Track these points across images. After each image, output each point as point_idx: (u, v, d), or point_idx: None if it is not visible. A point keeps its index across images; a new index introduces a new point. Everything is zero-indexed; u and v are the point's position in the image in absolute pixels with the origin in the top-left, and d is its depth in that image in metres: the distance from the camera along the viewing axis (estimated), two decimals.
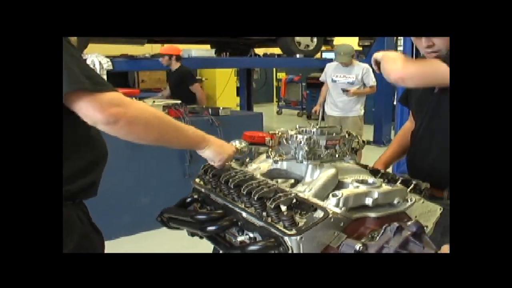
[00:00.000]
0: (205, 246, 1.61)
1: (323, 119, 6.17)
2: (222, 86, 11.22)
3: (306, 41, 7.24)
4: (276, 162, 1.46)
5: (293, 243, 1.15)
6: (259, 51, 8.74)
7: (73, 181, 1.35)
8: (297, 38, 7.17)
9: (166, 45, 6.22)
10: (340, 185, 1.36)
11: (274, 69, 14.10)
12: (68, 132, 1.26)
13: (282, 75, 13.91)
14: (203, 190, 1.53)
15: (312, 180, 1.37)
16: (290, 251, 1.16)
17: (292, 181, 1.53)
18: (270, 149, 1.47)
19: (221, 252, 1.42)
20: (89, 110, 1.23)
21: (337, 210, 1.22)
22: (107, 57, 5.60)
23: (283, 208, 1.21)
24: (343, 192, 1.25)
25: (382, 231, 1.22)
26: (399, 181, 1.46)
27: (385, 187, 1.32)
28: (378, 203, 1.29)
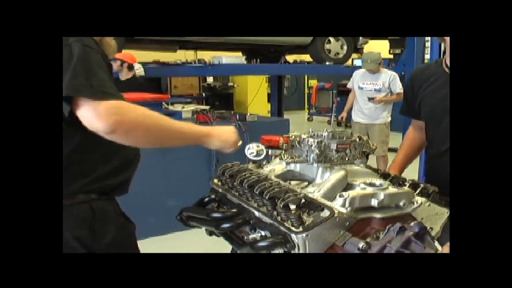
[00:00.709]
0: (226, 249, 1.68)
1: (349, 125, 6.20)
2: (254, 93, 11.32)
3: (336, 49, 7.27)
4: (288, 164, 1.53)
5: (300, 240, 1.22)
6: (290, 58, 8.82)
7: (108, 178, 1.46)
8: (327, 46, 7.21)
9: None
10: (349, 187, 1.42)
11: (306, 76, 14.14)
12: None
13: (313, 82, 13.93)
14: (220, 190, 1.61)
15: (322, 181, 1.44)
16: (296, 248, 1.23)
17: (306, 183, 1.60)
18: (284, 152, 1.54)
19: (234, 249, 1.50)
20: (88, 118, 1.28)
21: (343, 210, 1.28)
22: (139, 63, 5.73)
23: (293, 207, 1.28)
24: (349, 193, 1.31)
25: (386, 231, 1.28)
26: (408, 185, 1.51)
27: (391, 189, 1.38)
28: (384, 205, 1.35)
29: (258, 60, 8.00)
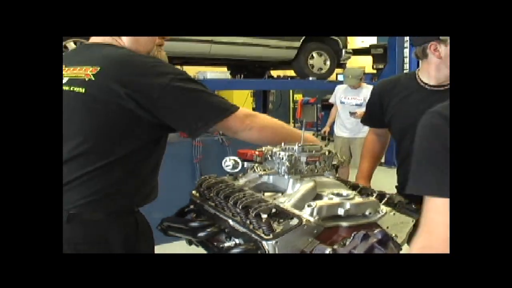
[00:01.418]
0: None
1: (332, 140, 6.32)
2: None
3: (319, 64, 7.42)
4: (261, 176, 1.62)
5: (270, 247, 1.30)
6: (275, 73, 8.95)
7: (148, 197, 1.66)
8: (311, 61, 7.35)
9: None
10: (318, 197, 1.51)
11: (291, 91, 14.29)
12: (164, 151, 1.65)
13: (298, 97, 14.07)
14: (198, 201, 1.69)
15: (293, 192, 1.53)
16: None
17: (280, 194, 1.68)
18: (257, 165, 1.63)
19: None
20: (232, 124, 1.57)
21: (311, 219, 1.36)
22: None
23: (264, 216, 1.36)
24: (317, 203, 1.40)
25: (351, 238, 1.36)
26: (375, 195, 1.61)
27: (357, 199, 1.46)
28: (350, 214, 1.44)
29: (243, 75, 8.11)
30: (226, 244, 1.49)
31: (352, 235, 1.36)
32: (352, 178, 2.25)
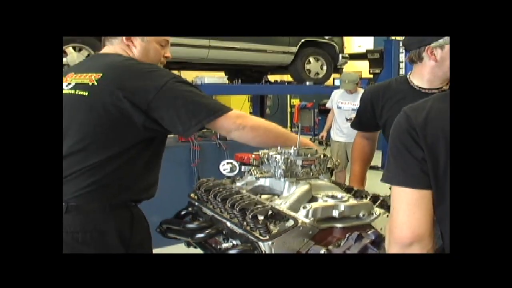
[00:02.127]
0: None
1: (329, 144, 6.36)
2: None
3: (316, 69, 7.44)
4: (257, 179, 1.66)
5: (266, 248, 1.34)
6: (272, 78, 8.98)
7: (144, 192, 1.71)
8: (307, 66, 7.39)
9: None
10: (313, 199, 1.55)
11: (288, 96, 14.33)
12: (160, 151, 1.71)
13: (296, 101, 14.11)
14: (196, 203, 1.73)
15: (288, 194, 1.57)
16: None
17: (276, 196, 1.72)
18: (254, 168, 1.67)
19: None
20: (224, 123, 1.60)
21: (306, 220, 1.41)
22: None
23: (261, 218, 1.40)
24: (312, 205, 1.44)
25: (345, 239, 1.40)
26: (369, 197, 1.65)
27: (351, 201, 1.51)
28: (344, 215, 1.48)
29: (240, 80, 8.15)
30: (224, 245, 1.53)
31: (346, 236, 1.40)
32: (348, 182, 2.29)
